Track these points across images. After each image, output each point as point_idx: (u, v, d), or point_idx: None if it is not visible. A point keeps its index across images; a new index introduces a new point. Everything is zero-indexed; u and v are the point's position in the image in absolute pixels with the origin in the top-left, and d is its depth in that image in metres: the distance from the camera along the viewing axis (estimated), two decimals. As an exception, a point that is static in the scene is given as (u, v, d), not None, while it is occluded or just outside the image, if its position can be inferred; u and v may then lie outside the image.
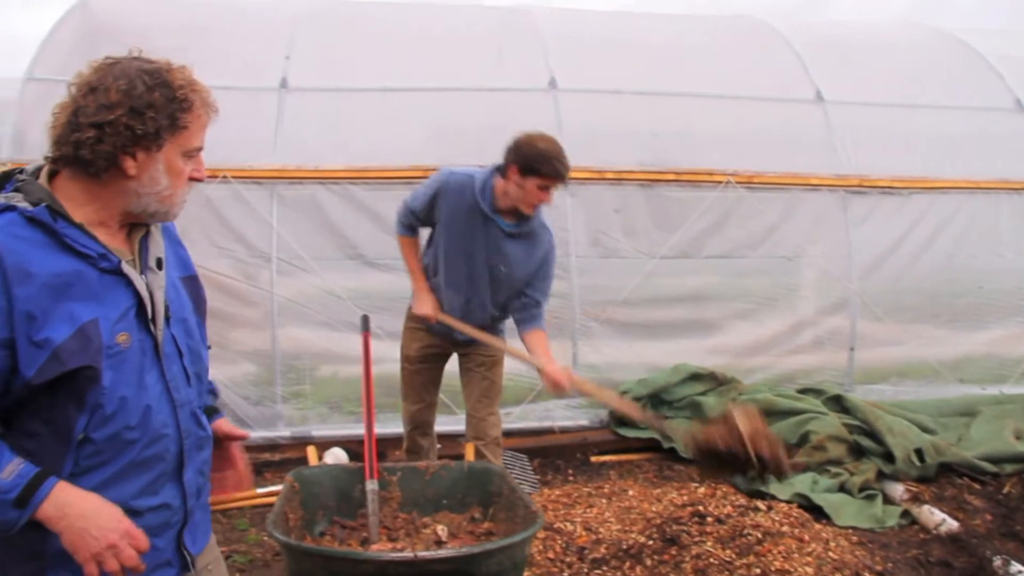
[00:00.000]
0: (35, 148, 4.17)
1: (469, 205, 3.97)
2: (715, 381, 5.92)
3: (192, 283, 2.06)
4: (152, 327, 1.83)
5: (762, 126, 6.56)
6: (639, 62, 6.78)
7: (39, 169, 1.81)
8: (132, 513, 1.80)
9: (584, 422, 5.93)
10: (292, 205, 5.76)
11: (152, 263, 1.88)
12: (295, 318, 5.75)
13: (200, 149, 1.87)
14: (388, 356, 4.73)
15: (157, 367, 1.85)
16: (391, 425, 5.02)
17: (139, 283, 1.81)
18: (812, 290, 6.43)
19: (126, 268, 1.79)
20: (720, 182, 6.14)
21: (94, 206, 1.79)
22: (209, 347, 2.12)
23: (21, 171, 1.81)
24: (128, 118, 1.71)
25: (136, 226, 1.88)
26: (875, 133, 6.60)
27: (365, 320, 3.88)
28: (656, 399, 5.86)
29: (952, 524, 4.50)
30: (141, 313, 1.81)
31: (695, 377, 5.90)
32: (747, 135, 6.49)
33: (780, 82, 6.79)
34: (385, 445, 5.14)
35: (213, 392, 2.21)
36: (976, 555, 4.18)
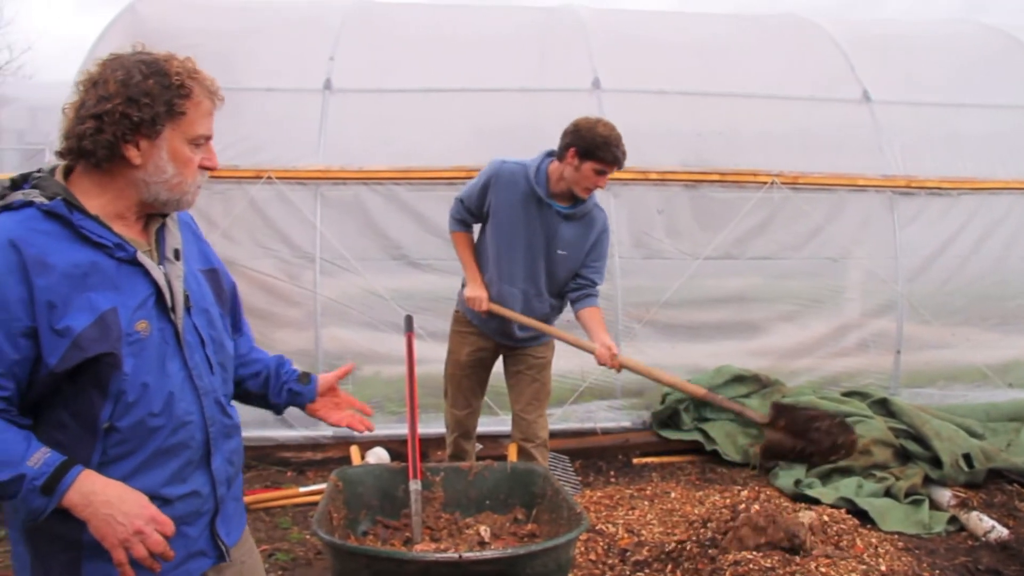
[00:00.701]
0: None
1: (523, 192, 3.99)
2: (759, 383, 5.86)
3: (213, 275, 2.10)
4: (172, 315, 1.87)
5: (807, 126, 6.49)
6: (683, 62, 6.74)
7: (55, 168, 1.86)
8: (162, 501, 1.84)
9: (626, 423, 5.91)
10: (336, 205, 5.79)
11: (169, 254, 1.92)
12: (338, 318, 5.78)
13: (208, 137, 1.90)
14: (431, 357, 4.75)
15: (179, 355, 1.89)
16: (434, 425, 5.04)
17: (156, 272, 1.85)
18: (858, 292, 6.34)
19: (142, 258, 1.83)
20: (764, 183, 6.07)
21: (107, 197, 1.83)
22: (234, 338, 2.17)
23: (39, 171, 1.86)
24: (125, 106, 1.76)
25: (153, 218, 1.93)
26: (923, 133, 6.49)
27: (409, 320, 3.90)
28: (699, 400, 5.81)
29: (1002, 531, 4.42)
30: (160, 302, 1.86)
31: (738, 379, 5.85)
32: (792, 135, 6.42)
33: (826, 82, 6.70)
34: (427, 445, 5.16)
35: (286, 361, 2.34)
36: (1027, 564, 4.10)
